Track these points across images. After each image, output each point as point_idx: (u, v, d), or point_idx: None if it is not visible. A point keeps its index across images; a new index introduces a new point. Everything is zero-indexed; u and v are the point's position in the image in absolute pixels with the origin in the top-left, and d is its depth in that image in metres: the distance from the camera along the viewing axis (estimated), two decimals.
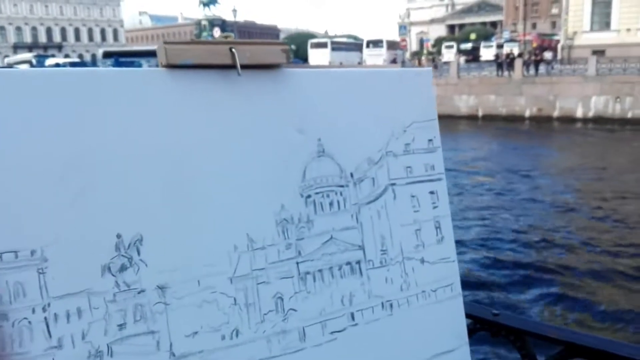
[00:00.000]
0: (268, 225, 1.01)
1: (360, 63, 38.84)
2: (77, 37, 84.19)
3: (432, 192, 1.23)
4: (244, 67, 0.99)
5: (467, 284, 7.25)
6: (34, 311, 0.82)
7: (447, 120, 24.95)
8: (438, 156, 1.25)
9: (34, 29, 78.59)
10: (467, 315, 1.27)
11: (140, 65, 20.81)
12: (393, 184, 1.17)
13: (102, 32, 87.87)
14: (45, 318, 0.82)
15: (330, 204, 1.09)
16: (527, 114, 24.68)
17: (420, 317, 1.16)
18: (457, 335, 1.21)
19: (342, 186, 1.11)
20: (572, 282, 7.49)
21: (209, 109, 0.97)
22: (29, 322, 0.82)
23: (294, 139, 1.06)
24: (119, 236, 0.88)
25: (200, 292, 0.93)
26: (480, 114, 25.81)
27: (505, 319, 1.35)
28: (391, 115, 1.19)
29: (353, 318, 1.08)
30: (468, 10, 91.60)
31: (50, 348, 0.82)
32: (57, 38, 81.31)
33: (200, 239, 0.94)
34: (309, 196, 1.06)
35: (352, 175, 1.12)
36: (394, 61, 37.75)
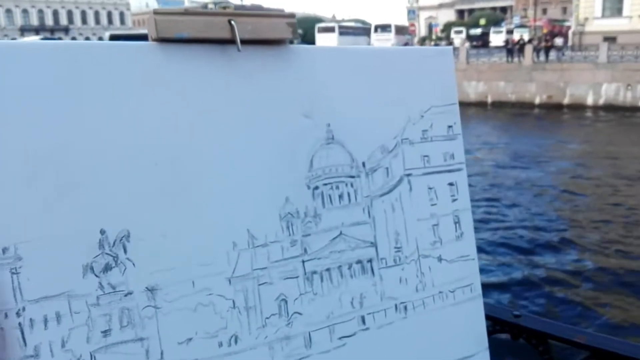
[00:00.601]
0: (271, 220, 0.91)
1: None
2: (84, 20, 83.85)
3: (451, 184, 1.13)
4: (244, 42, 0.88)
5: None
6: (6, 316, 0.73)
7: None
8: (458, 144, 1.14)
9: (40, 11, 78.26)
10: (486, 317, 1.17)
11: None
12: (409, 175, 1.07)
13: (109, 15, 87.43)
14: (20, 324, 0.73)
15: (340, 196, 0.99)
16: (537, 100, 24.39)
17: (437, 320, 1.07)
18: (476, 340, 1.12)
19: (353, 177, 1.00)
20: (590, 283, 7.19)
21: (205, 89, 0.87)
22: (1, 329, 0.72)
23: (301, 124, 0.95)
24: (102, 232, 0.78)
25: (195, 294, 0.84)
26: (489, 100, 25.51)
27: (527, 321, 1.25)
28: (408, 98, 1.08)
29: (364, 322, 0.99)
30: None
31: (26, 357, 0.73)
32: (63, 21, 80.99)
33: (195, 235, 0.84)
34: (316, 188, 0.96)
35: (364, 164, 1.02)
36: (405, 45, 37.43)
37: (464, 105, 25.03)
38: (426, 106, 1.10)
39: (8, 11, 74.84)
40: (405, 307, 1.03)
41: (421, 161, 1.09)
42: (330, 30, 42.82)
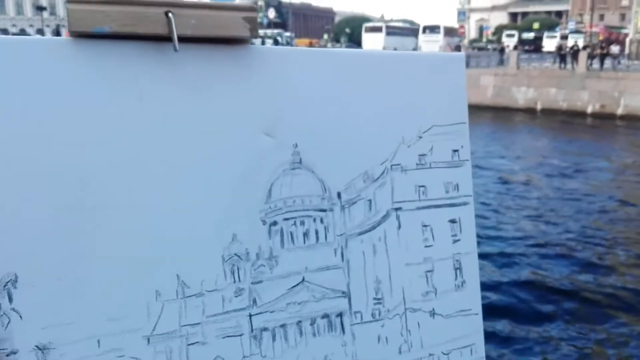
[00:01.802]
0: (211, 262, 0.73)
1: (415, 49, 37.85)
2: None
3: (453, 221, 0.92)
4: (187, 39, 0.71)
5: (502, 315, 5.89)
6: None
7: (503, 113, 23.97)
8: (465, 172, 0.94)
9: None
10: None
11: None
12: (398, 209, 0.87)
13: None
14: None
15: (305, 234, 0.80)
16: (589, 109, 23.40)
17: None
18: None
19: (323, 210, 0.81)
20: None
21: (129, 98, 0.69)
22: None
23: (259, 144, 0.77)
24: None
25: (101, 356, 0.66)
26: (539, 107, 24.65)
27: None
28: (403, 114, 0.88)
29: None
30: None
31: None
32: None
33: (104, 280, 0.67)
34: (274, 223, 0.78)
35: (339, 195, 0.83)
36: (457, 48, 36.50)
37: (512, 110, 24.30)
38: (426, 125, 0.90)
39: None
40: None
41: (415, 192, 0.89)
42: (377, 30, 42.39)
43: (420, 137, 0.90)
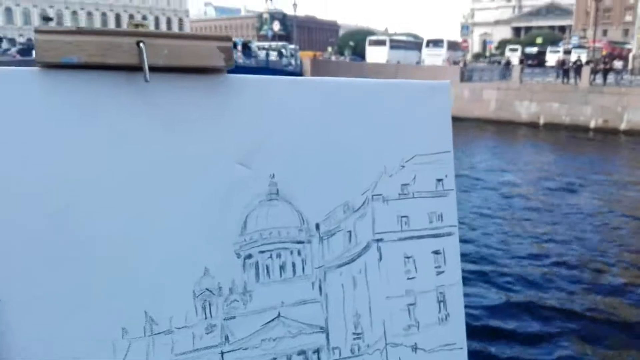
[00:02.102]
0: (181, 298, 0.71)
1: (418, 62, 37.92)
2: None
3: (437, 252, 0.90)
4: (159, 69, 0.69)
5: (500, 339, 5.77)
6: None
7: (506, 127, 23.94)
8: (450, 202, 0.91)
9: (103, 14, 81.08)
10: None
11: None
12: (379, 240, 0.85)
13: (168, 21, 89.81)
14: None
15: (282, 267, 0.78)
16: (592, 124, 23.36)
17: None
18: None
19: (301, 242, 0.79)
20: None
21: (102, 130, 0.68)
22: None
23: (234, 175, 0.75)
24: None
25: None
26: (541, 121, 24.63)
27: None
28: (385, 143, 0.86)
29: None
30: (536, 13, 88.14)
31: None
32: (125, 25, 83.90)
33: (68, 317, 0.65)
34: (249, 256, 0.75)
35: (318, 227, 0.80)
36: (456, 62, 36.55)
37: (515, 125, 24.28)
38: (409, 154, 0.88)
39: (74, 13, 77.71)
40: None
41: (397, 223, 0.87)
42: (381, 43, 42.57)
43: (403, 167, 0.88)
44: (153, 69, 0.68)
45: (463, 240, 8.01)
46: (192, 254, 0.71)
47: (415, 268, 0.88)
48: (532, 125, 24.62)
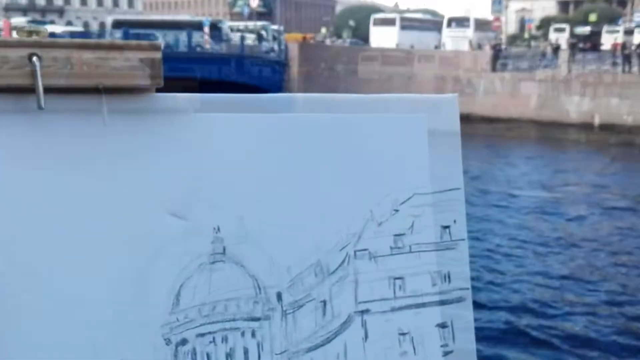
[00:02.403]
0: None
1: (437, 47, 38.17)
2: (84, 1, 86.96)
3: (443, 325, 0.87)
4: (58, 91, 0.66)
5: None
6: None
7: (550, 128, 24.11)
8: (460, 256, 0.89)
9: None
10: None
11: (155, 38, 20.94)
12: (364, 311, 0.83)
13: None
14: None
15: (229, 355, 0.75)
16: None
17: None
18: None
19: (256, 319, 0.76)
20: None
21: None
22: None
23: (164, 229, 0.72)
24: None
25: None
26: (596, 122, 24.84)
27: None
28: (371, 181, 0.84)
29: None
30: None
31: None
32: (58, 1, 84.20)
33: None
34: (183, 342, 0.73)
35: (279, 297, 0.78)
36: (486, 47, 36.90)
37: (562, 126, 24.45)
38: (404, 194, 0.86)
39: None
40: None
41: (390, 287, 0.85)
42: (389, 22, 42.94)
43: (397, 211, 0.86)
44: (50, 90, 0.66)
45: (491, 283, 8.09)
46: (103, 344, 0.68)
47: (414, 348, 0.85)
48: (585, 127, 24.79)
